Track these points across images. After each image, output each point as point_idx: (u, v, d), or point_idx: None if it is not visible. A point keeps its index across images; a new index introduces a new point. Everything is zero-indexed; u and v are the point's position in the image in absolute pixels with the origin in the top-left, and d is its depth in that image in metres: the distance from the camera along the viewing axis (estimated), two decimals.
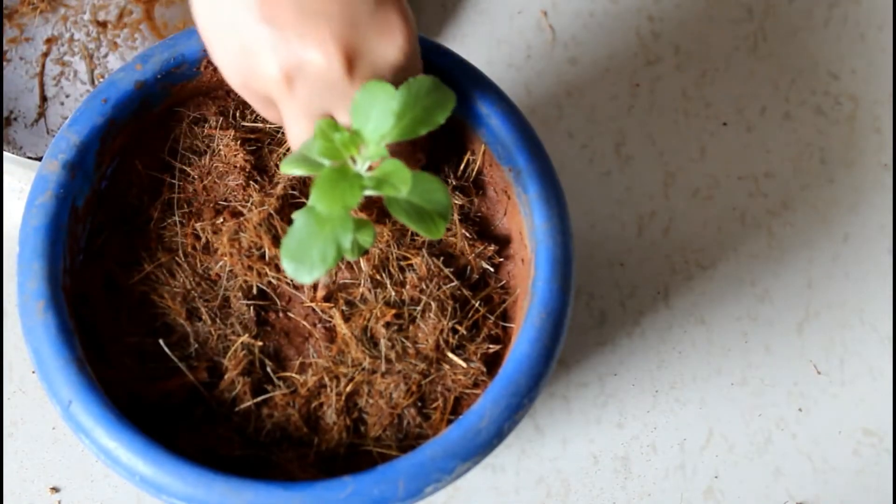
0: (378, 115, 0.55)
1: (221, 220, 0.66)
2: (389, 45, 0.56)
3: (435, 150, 0.68)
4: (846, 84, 0.85)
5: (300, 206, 0.67)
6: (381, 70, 0.57)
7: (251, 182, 0.67)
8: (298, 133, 0.59)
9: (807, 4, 0.87)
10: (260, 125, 0.68)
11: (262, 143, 0.68)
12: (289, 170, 0.57)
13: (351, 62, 0.56)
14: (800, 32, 0.86)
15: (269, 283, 0.65)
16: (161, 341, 0.64)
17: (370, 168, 0.55)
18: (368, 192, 0.54)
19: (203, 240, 0.66)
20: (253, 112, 0.68)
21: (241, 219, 0.66)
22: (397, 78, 0.57)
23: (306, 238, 0.55)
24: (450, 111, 0.56)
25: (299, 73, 0.56)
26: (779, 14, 0.86)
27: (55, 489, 0.75)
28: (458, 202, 0.67)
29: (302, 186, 0.67)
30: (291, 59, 0.56)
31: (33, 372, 0.76)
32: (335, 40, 0.55)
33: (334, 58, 0.55)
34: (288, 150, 0.67)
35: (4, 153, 0.77)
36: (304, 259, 0.55)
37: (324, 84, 0.57)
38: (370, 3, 0.55)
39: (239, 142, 0.67)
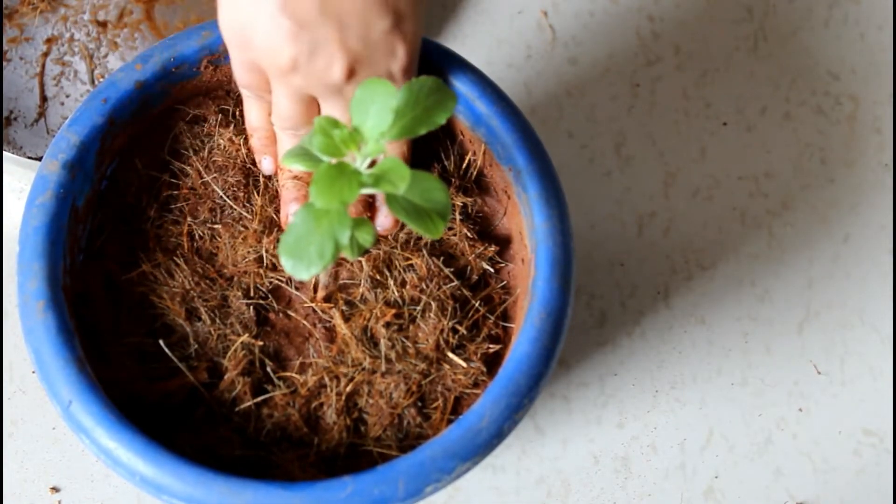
0: (377, 113, 0.55)
1: (220, 219, 0.66)
2: (392, 64, 0.59)
3: (436, 150, 0.68)
4: (846, 84, 0.85)
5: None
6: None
7: (249, 179, 0.67)
8: (283, 108, 0.61)
9: (807, 4, 0.87)
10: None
11: None
12: (288, 164, 0.57)
13: (353, 72, 0.59)
14: (800, 32, 0.86)
15: (269, 283, 0.65)
16: (161, 341, 0.64)
17: (370, 165, 0.55)
18: (367, 190, 0.54)
19: (201, 240, 0.66)
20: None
21: (240, 218, 0.66)
22: (399, 81, 0.60)
23: (304, 234, 0.55)
24: (450, 112, 0.56)
25: (303, 66, 0.58)
26: (779, 14, 0.86)
27: (55, 489, 0.75)
28: (461, 202, 0.67)
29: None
30: (300, 55, 0.58)
31: (33, 372, 0.76)
32: (345, 51, 0.58)
33: (340, 66, 0.58)
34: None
35: (4, 153, 0.77)
36: (302, 255, 0.55)
37: (321, 82, 0.59)
38: (387, 22, 0.58)
39: (237, 143, 0.67)
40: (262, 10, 0.57)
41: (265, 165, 0.66)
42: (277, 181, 0.66)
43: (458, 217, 0.66)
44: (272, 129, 0.64)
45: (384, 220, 0.65)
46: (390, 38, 0.58)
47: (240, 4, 0.58)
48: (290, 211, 0.65)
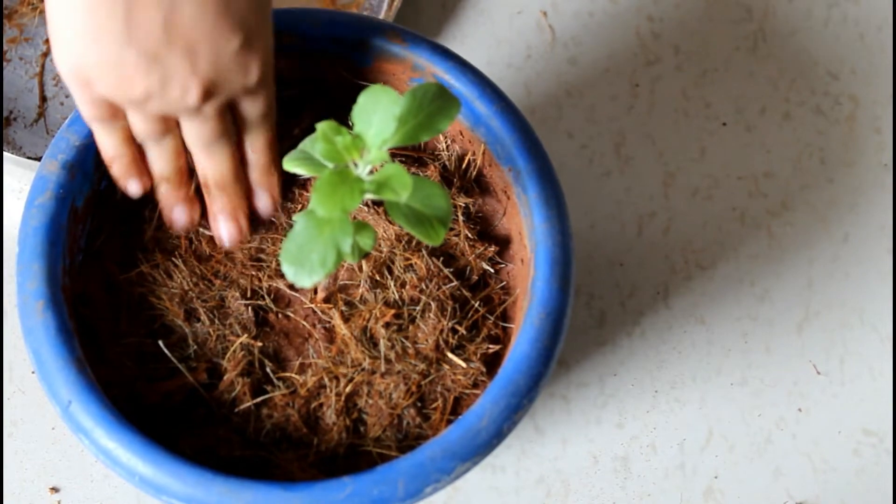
0: (380, 120, 0.55)
1: None
2: (248, 80, 0.58)
3: (436, 150, 0.68)
4: (846, 84, 0.85)
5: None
6: (235, 94, 0.59)
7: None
8: (143, 129, 0.60)
9: (806, 4, 0.87)
10: None
11: None
12: (290, 168, 0.57)
13: (209, 95, 0.57)
14: (799, 32, 0.86)
15: (268, 284, 0.65)
16: (160, 342, 0.64)
17: (371, 172, 0.55)
18: (369, 197, 0.54)
19: (199, 241, 0.66)
20: None
21: None
22: (254, 92, 0.59)
23: (306, 242, 0.55)
24: (453, 118, 0.56)
25: (158, 96, 0.57)
26: (778, 14, 0.86)
27: (55, 489, 0.75)
28: (462, 203, 0.67)
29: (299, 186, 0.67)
30: (154, 86, 0.56)
31: (33, 372, 0.76)
32: (198, 76, 0.56)
33: (194, 93, 0.57)
34: (286, 151, 0.67)
35: (4, 153, 0.77)
36: (304, 263, 0.55)
37: (178, 107, 0.58)
38: (236, 42, 0.56)
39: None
40: (106, 46, 0.55)
41: (132, 189, 0.63)
42: (156, 197, 0.64)
43: (460, 218, 0.66)
44: (130, 153, 0.62)
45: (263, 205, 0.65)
46: (241, 57, 0.57)
47: (80, 43, 0.55)
48: (174, 216, 0.64)
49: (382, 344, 0.63)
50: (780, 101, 0.85)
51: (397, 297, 0.64)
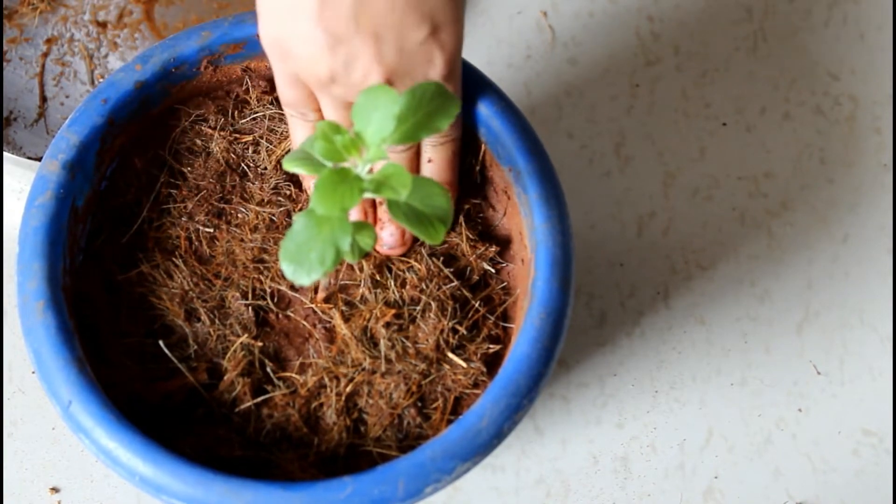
0: (379, 119, 0.55)
1: (218, 220, 0.66)
2: (430, 73, 0.59)
3: None
4: (846, 84, 0.85)
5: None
6: None
7: (246, 182, 0.67)
8: (331, 116, 0.62)
9: (806, 4, 0.87)
10: (258, 126, 0.68)
11: (260, 143, 0.68)
12: (291, 167, 0.57)
13: (391, 83, 0.58)
14: (799, 33, 0.86)
15: (268, 284, 0.65)
16: (160, 342, 0.64)
17: (371, 170, 0.55)
18: (368, 195, 0.54)
19: (199, 241, 0.66)
20: (251, 110, 0.68)
21: (239, 220, 0.66)
22: None
23: (305, 240, 0.55)
24: (453, 117, 0.56)
25: (343, 78, 0.58)
26: (779, 14, 0.86)
27: (55, 489, 0.75)
28: (463, 203, 0.67)
29: (297, 188, 0.67)
30: (339, 67, 0.58)
31: (33, 372, 0.76)
32: (381, 63, 0.58)
33: (376, 79, 0.58)
34: (286, 150, 0.67)
35: (4, 153, 0.77)
36: (303, 261, 0.55)
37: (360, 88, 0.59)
38: (423, 32, 0.57)
39: (236, 143, 0.67)
40: (300, 23, 0.57)
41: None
42: None
43: (461, 218, 0.66)
44: None
45: (388, 238, 0.65)
46: (427, 48, 0.58)
47: (278, 17, 0.58)
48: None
49: (383, 344, 0.63)
50: (780, 101, 0.85)
51: (397, 296, 0.64)
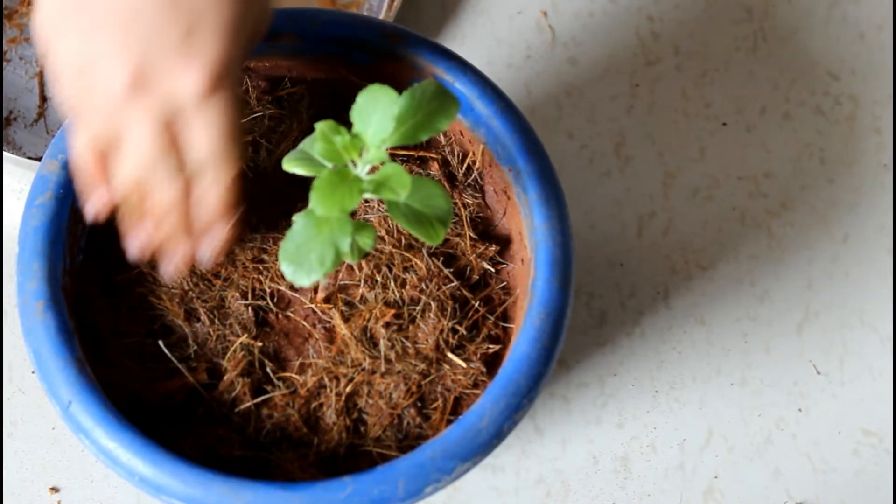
0: (379, 120, 0.55)
1: None
2: (183, 81, 0.54)
3: (440, 151, 0.68)
4: (846, 84, 0.85)
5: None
6: (173, 100, 0.54)
7: (246, 182, 0.67)
8: (80, 122, 0.57)
9: (806, 4, 0.87)
10: (257, 126, 0.68)
11: (260, 143, 0.67)
12: (290, 168, 0.57)
13: (137, 81, 0.53)
14: (799, 33, 0.86)
15: (268, 285, 0.65)
16: (160, 342, 0.64)
17: (371, 171, 0.55)
18: (368, 196, 0.54)
19: None
20: (251, 110, 0.68)
21: (238, 220, 0.66)
22: (197, 108, 0.55)
23: (305, 241, 0.55)
24: (453, 117, 0.56)
25: (88, 71, 0.54)
26: (779, 14, 0.86)
27: (55, 489, 0.75)
28: (463, 203, 0.67)
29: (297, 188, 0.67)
30: (85, 60, 0.53)
31: (33, 372, 0.76)
32: (127, 56, 0.53)
33: (122, 72, 0.53)
34: (285, 151, 0.67)
35: (4, 153, 0.77)
36: (303, 262, 0.55)
37: (105, 93, 0.54)
38: (180, 30, 0.52)
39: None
40: (60, 12, 0.53)
41: (88, 208, 0.59)
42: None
43: (463, 217, 0.66)
44: (93, 160, 0.58)
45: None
46: (182, 50, 0.53)
47: (46, 4, 0.54)
48: (127, 243, 0.60)
49: (382, 344, 0.63)
50: (780, 101, 0.85)
51: (397, 296, 0.64)
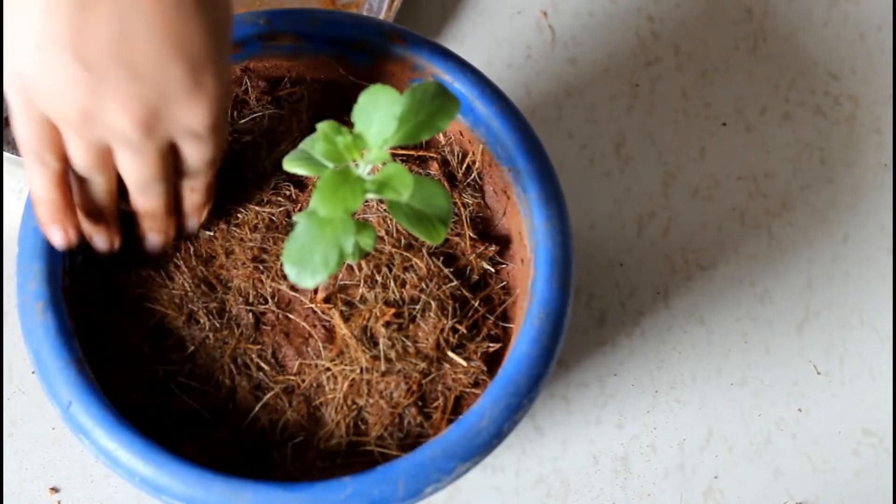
0: (381, 120, 0.55)
1: (217, 221, 0.66)
2: (193, 121, 0.55)
3: (439, 151, 0.68)
4: (846, 84, 0.85)
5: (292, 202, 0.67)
6: (179, 134, 0.56)
7: (246, 182, 0.67)
8: (79, 161, 0.57)
9: (806, 4, 0.87)
10: (257, 126, 0.68)
11: (260, 143, 0.67)
12: (291, 168, 0.57)
13: (149, 127, 0.55)
14: (799, 32, 0.86)
15: (268, 285, 0.65)
16: (160, 342, 0.64)
17: (372, 171, 0.55)
18: (370, 196, 0.54)
19: (198, 242, 0.66)
20: (251, 110, 0.68)
21: (238, 220, 0.66)
22: (195, 141, 0.57)
23: (308, 242, 0.55)
24: (453, 117, 0.56)
25: (96, 118, 0.54)
26: (778, 14, 0.86)
27: (55, 489, 0.75)
28: (463, 202, 0.67)
29: (297, 189, 0.67)
30: (92, 106, 0.53)
31: (33, 372, 0.76)
32: (139, 105, 0.54)
33: (134, 121, 0.54)
34: (285, 151, 0.67)
35: (4, 153, 0.77)
36: (307, 263, 0.55)
37: (117, 135, 0.55)
38: (186, 71, 0.53)
39: (236, 143, 0.67)
40: (53, 54, 0.52)
41: (55, 238, 0.60)
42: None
43: (463, 217, 0.66)
44: (60, 198, 0.59)
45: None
46: (190, 94, 0.54)
47: (27, 46, 0.52)
48: (95, 243, 0.62)
49: (382, 343, 0.63)
50: (780, 101, 0.85)
51: (397, 296, 0.64)
